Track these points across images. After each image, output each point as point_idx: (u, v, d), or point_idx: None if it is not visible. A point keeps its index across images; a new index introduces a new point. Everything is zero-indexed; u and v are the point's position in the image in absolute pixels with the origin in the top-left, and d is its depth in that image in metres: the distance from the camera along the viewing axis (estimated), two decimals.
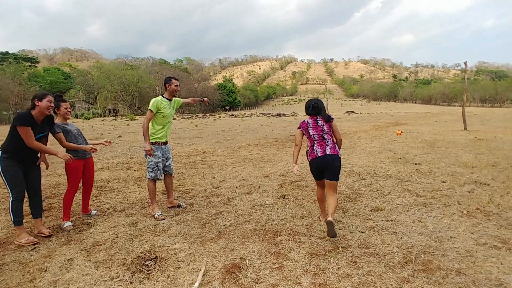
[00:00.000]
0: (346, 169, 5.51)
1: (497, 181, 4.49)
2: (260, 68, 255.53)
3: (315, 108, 3.01)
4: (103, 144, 3.76)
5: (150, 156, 3.43)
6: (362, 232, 2.85)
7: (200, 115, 44.05)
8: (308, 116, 3.06)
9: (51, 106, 2.94)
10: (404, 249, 2.52)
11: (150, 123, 3.52)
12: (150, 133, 3.50)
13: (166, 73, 75.35)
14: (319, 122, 2.96)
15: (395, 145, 8.36)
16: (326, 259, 2.38)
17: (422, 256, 2.40)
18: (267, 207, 3.65)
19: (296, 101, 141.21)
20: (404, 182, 4.59)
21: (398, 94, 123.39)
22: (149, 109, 3.46)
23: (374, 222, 3.09)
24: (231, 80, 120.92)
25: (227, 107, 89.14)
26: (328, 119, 2.97)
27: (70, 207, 3.34)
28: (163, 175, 3.65)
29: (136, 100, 64.11)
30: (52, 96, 3.02)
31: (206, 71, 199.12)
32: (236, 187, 4.57)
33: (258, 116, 37.10)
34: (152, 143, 3.50)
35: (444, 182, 4.49)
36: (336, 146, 2.97)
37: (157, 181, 3.64)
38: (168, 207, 3.77)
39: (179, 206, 3.78)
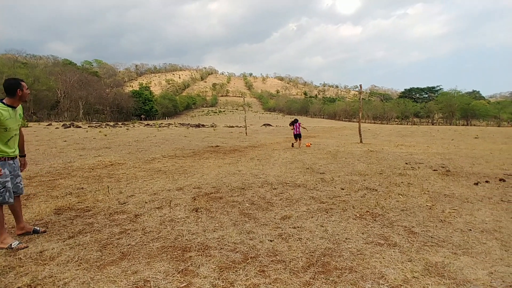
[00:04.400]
0: (260, 180, 5.71)
1: (383, 186, 5.27)
2: (180, 78, 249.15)
3: (296, 121, 12.27)
4: None
5: None
6: (271, 241, 2.96)
7: (111, 123, 40.15)
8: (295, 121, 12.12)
9: None
10: (307, 253, 2.70)
11: None
12: None
13: (70, 75, 67.02)
14: (296, 123, 12.07)
15: (305, 156, 9.09)
16: (235, 271, 2.38)
17: (322, 258, 2.61)
18: (178, 222, 3.49)
19: (216, 112, 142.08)
20: (311, 190, 4.99)
21: (309, 109, 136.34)
22: None
23: (282, 230, 3.24)
24: (148, 87, 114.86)
25: (142, 116, 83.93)
26: (295, 122, 12.14)
27: None
28: (13, 198, 2.97)
29: (31, 104, 55.03)
30: None
31: (120, 77, 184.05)
32: (146, 202, 4.26)
33: (176, 126, 35.86)
34: None
35: (343, 189, 5.05)
36: (301, 129, 12.19)
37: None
38: (18, 234, 3.12)
39: (35, 231, 3.16)
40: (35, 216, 3.73)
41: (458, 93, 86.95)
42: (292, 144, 12.10)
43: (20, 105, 3.08)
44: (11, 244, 2.82)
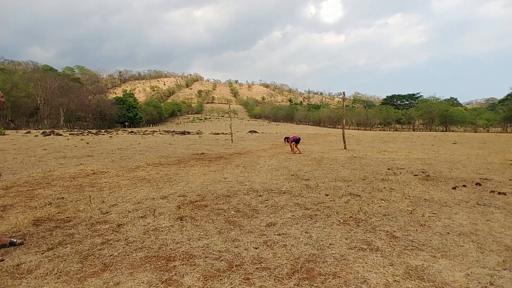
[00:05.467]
0: (245, 187, 5.72)
1: (366, 192, 5.37)
2: (165, 84, 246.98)
3: (287, 137, 13.36)
4: None
5: None
6: (256, 248, 2.96)
7: (94, 131, 39.19)
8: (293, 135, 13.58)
9: None
10: (292, 260, 2.72)
11: None
12: None
13: (50, 81, 65.31)
14: (290, 137, 12.91)
15: (290, 163, 9.17)
16: (220, 279, 2.37)
17: (307, 264, 2.63)
18: (162, 231, 3.45)
19: (201, 119, 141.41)
20: (296, 197, 5.03)
21: (294, 116, 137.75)
22: None
23: (267, 237, 3.25)
24: (132, 94, 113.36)
25: (126, 123, 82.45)
26: (288, 137, 13.25)
27: None
28: None
29: (9, 111, 53.16)
30: None
31: (103, 83, 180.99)
32: (129, 211, 4.18)
33: (161, 133, 35.42)
34: None
35: (327, 195, 5.12)
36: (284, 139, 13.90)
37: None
38: None
39: (11, 243, 3.01)
40: (12, 227, 3.60)
41: (437, 100, 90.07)
42: (296, 151, 12.60)
43: None
44: None
